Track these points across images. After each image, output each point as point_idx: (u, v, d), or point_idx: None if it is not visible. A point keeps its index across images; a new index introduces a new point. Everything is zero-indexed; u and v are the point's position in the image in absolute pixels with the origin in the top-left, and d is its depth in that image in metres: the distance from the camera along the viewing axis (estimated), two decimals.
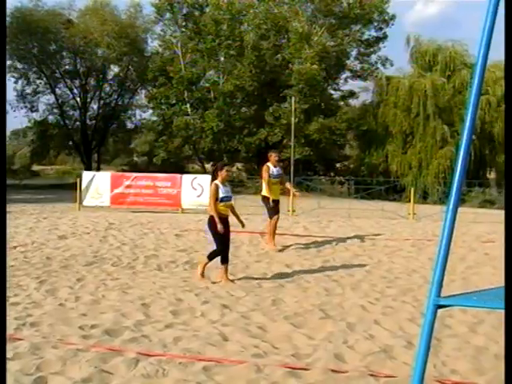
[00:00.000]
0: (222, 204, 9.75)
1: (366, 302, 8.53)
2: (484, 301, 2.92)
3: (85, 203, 21.76)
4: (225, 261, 9.80)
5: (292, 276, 10.38)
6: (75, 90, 45.62)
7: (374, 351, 6.25)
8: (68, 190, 28.35)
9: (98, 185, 21.82)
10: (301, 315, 7.67)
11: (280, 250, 12.99)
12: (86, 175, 22.75)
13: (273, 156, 13.45)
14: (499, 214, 22.98)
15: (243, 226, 10.40)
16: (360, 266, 11.48)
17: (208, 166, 40.87)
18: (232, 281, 9.75)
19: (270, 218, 13.02)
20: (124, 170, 39.34)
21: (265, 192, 13.04)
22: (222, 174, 9.95)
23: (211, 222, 9.71)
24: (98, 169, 42.89)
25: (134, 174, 23.36)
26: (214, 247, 9.75)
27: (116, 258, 11.74)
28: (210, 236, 9.83)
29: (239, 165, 44.17)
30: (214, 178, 9.98)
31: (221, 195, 9.69)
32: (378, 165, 40.95)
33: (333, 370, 5.61)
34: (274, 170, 13.15)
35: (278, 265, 11.39)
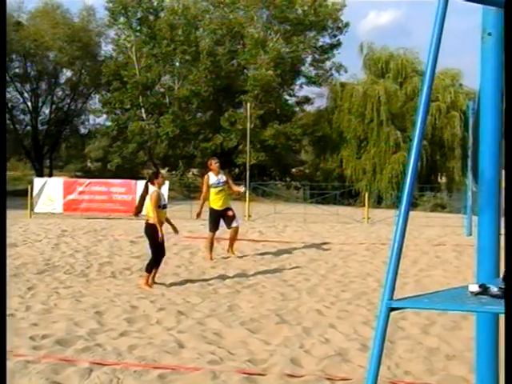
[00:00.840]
0: (163, 211, 9.75)
1: (322, 306, 8.57)
2: (435, 303, 2.96)
3: (36, 210, 21.46)
4: (158, 265, 9.81)
5: (248, 281, 10.37)
6: (26, 94, 44.75)
7: (329, 355, 6.28)
8: (19, 196, 27.83)
9: (51, 191, 21.52)
10: (257, 320, 7.66)
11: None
12: (38, 181, 22.46)
13: (213, 164, 12.60)
14: (450, 218, 23.45)
15: (177, 231, 10.37)
16: (315, 271, 11.53)
17: (164, 172, 40.67)
18: (150, 287, 9.62)
19: (210, 230, 12.52)
20: (77, 176, 38.87)
21: (210, 204, 12.54)
22: (159, 181, 9.93)
23: (151, 230, 9.62)
24: (50, 175, 42.14)
25: (88, 180, 23.12)
26: (151, 256, 9.75)
27: (69, 266, 11.55)
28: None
29: (195, 170, 44.06)
30: (147, 186, 9.80)
31: (162, 202, 9.70)
32: (333, 170, 41.43)
33: (289, 375, 5.63)
34: (215, 179, 12.38)
35: (234, 270, 11.38)
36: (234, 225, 12.52)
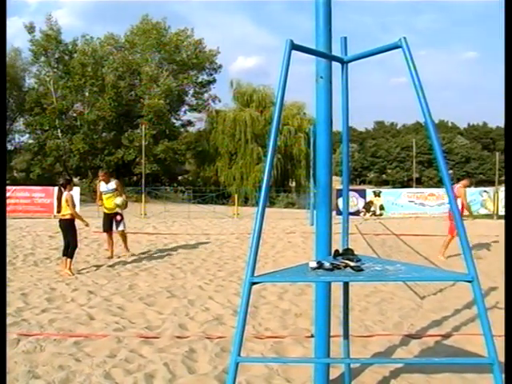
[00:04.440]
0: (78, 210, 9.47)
1: (203, 282, 8.58)
2: (285, 276, 3.04)
3: None
4: (72, 257, 9.38)
5: (144, 266, 10.18)
6: None
7: (209, 320, 6.31)
8: None
9: None
10: (152, 296, 7.56)
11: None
12: None
13: (100, 175, 11.27)
14: (298, 212, 24.13)
15: (88, 225, 9.71)
16: (198, 256, 11.49)
17: (76, 180, 39.37)
18: (73, 274, 9.14)
19: (103, 230, 11.22)
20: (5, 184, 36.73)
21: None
22: (71, 186, 9.64)
23: (72, 225, 9.28)
24: None
25: (14, 187, 21.83)
26: (71, 245, 9.28)
27: None
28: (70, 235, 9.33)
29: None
30: (61, 192, 9.38)
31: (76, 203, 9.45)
32: (211, 177, 41.58)
33: (178, 337, 5.61)
34: (105, 187, 10.91)
35: (134, 257, 11.13)
36: (119, 228, 11.01)
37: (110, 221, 10.93)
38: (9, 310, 6.63)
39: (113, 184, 10.93)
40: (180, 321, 6.24)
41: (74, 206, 9.29)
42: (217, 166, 41.45)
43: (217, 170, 41.41)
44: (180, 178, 47.04)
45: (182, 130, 45.58)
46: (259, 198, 2.87)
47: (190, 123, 46.17)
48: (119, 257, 11.05)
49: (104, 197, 10.88)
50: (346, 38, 3.49)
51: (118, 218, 10.88)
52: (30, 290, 7.90)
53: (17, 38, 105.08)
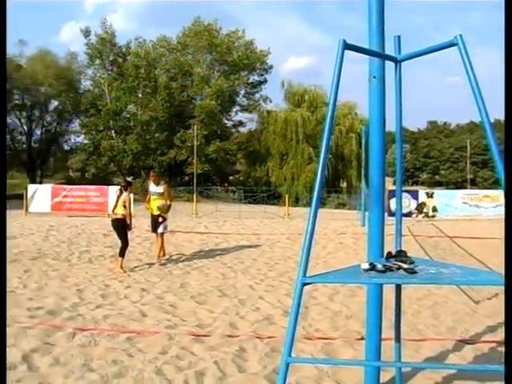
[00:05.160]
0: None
1: (253, 282, 8.61)
2: (337, 277, 3.03)
3: (30, 210, 20.82)
4: (124, 255, 9.61)
5: (196, 264, 10.31)
6: (22, 120, 43.12)
7: (259, 319, 6.33)
8: (17, 199, 26.92)
9: (41, 195, 21.05)
10: (203, 295, 7.65)
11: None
12: (31, 187, 21.85)
13: (151, 176, 11.31)
14: (349, 213, 23.89)
15: (130, 228, 9.84)
16: (248, 255, 11.55)
17: (129, 179, 40.26)
18: (124, 271, 9.33)
19: (152, 230, 11.17)
20: (62, 183, 37.96)
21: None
22: (132, 188, 9.89)
23: (124, 224, 9.54)
24: (41, 182, 41.13)
25: (70, 186, 22.58)
26: (123, 244, 9.55)
27: (55, 254, 11.24)
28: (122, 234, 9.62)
29: None
30: (121, 192, 9.64)
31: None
32: (261, 177, 41.68)
33: (228, 335, 5.66)
34: (154, 188, 10.65)
35: (185, 256, 11.30)
36: (158, 230, 10.70)
37: (156, 222, 10.83)
38: (65, 304, 6.89)
39: (161, 188, 10.71)
40: (231, 320, 6.29)
41: (130, 208, 9.60)
42: (268, 166, 41.54)
43: (268, 170, 41.51)
44: (231, 177, 47.40)
45: (234, 130, 45.96)
46: (312, 199, 2.87)
47: (241, 123, 46.53)
48: (171, 256, 11.23)
49: (151, 198, 10.78)
50: (399, 36, 3.45)
51: (160, 219, 10.62)
52: (85, 286, 8.15)
53: (74, 42, 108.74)
